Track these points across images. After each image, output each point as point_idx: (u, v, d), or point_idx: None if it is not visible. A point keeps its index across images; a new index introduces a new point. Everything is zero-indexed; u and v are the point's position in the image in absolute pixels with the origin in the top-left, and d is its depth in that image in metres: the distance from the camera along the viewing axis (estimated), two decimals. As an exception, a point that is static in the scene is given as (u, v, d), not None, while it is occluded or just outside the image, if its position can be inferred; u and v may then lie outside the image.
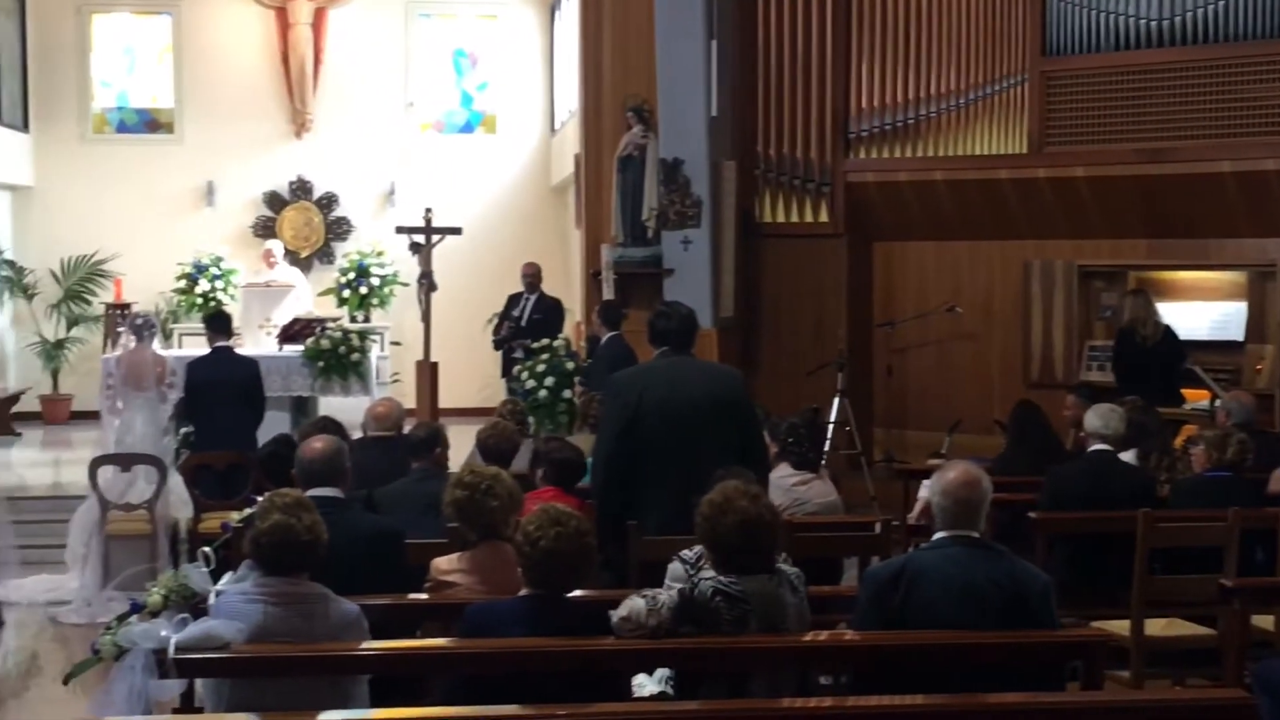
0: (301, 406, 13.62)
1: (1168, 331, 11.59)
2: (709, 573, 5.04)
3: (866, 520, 7.95)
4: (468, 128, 19.76)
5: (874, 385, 14.15)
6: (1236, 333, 12.55)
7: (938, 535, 5.10)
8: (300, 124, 19.09)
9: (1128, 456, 8.16)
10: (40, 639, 10.28)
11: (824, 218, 14.20)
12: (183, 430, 11.73)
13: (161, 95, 19.35)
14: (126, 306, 17.45)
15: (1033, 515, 7.38)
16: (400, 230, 15.17)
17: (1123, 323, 11.95)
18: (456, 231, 14.94)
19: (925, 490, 9.91)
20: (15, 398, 17.61)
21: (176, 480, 11.01)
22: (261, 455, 7.52)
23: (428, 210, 14.83)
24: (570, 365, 12.67)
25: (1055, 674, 5.14)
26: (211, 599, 5.38)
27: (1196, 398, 11.60)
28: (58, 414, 18.16)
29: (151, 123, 19.44)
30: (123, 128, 19.42)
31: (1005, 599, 4.95)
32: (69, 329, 18.43)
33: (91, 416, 16.93)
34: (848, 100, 14.05)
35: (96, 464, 10.95)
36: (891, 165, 13.92)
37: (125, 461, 10.96)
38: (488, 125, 19.69)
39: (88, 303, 18.44)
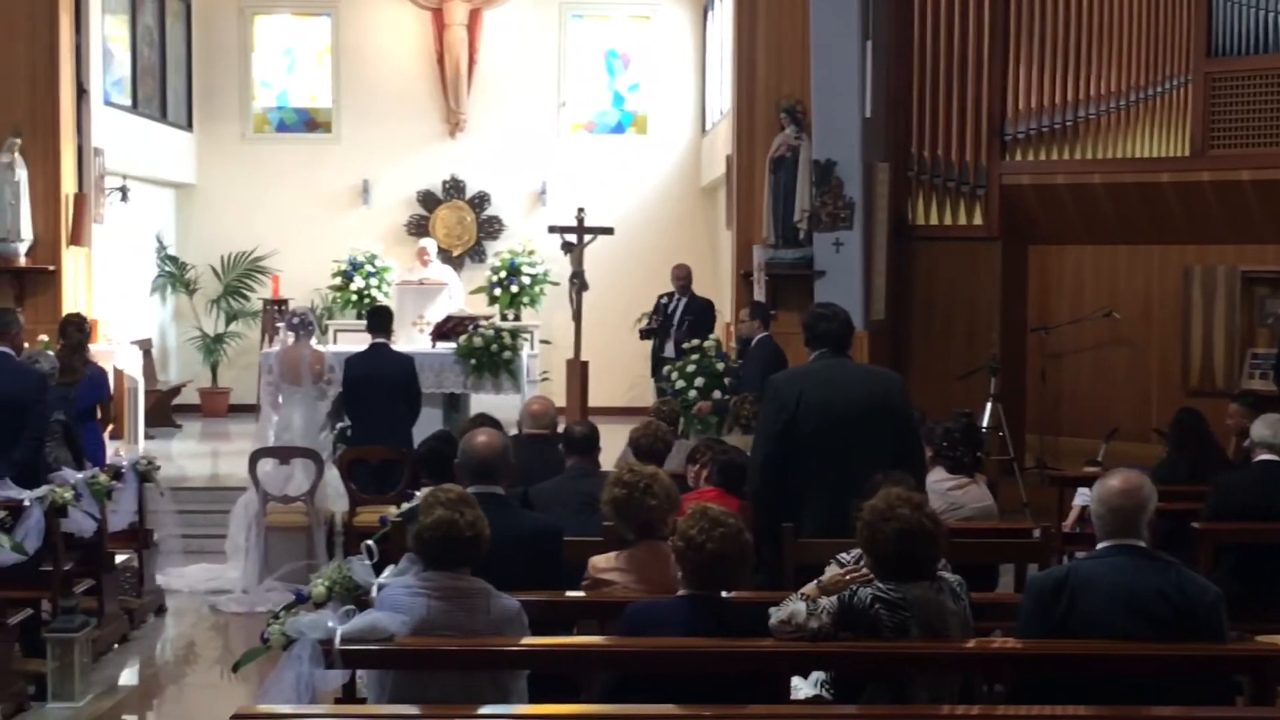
0: (454, 403, 13.76)
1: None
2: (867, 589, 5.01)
3: (1023, 527, 7.89)
4: (619, 128, 19.84)
5: (1027, 391, 13.94)
6: None
7: (1101, 544, 5.01)
8: (454, 124, 19.31)
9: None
10: (199, 627, 10.52)
11: (978, 220, 14.05)
12: (339, 425, 11.90)
13: (320, 95, 19.69)
14: (284, 302, 17.74)
15: (1197, 525, 7.24)
16: (553, 230, 15.25)
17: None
18: (609, 231, 14.98)
19: (1080, 498, 9.83)
20: (176, 390, 18.05)
21: (333, 474, 11.22)
22: (421, 451, 7.59)
23: (580, 210, 14.89)
24: (720, 366, 12.66)
25: (1222, 689, 5.01)
26: (373, 592, 5.46)
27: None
28: (217, 407, 18.57)
29: (310, 122, 19.79)
30: (282, 127, 19.79)
31: (1173, 611, 4.85)
32: (228, 324, 18.83)
33: (249, 410, 17.34)
34: (1004, 102, 13.88)
35: (256, 457, 11.18)
36: (1048, 168, 13.72)
37: (284, 455, 11.19)
38: (639, 126, 19.74)
39: (246, 298, 18.82)
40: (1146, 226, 13.35)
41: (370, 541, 5.83)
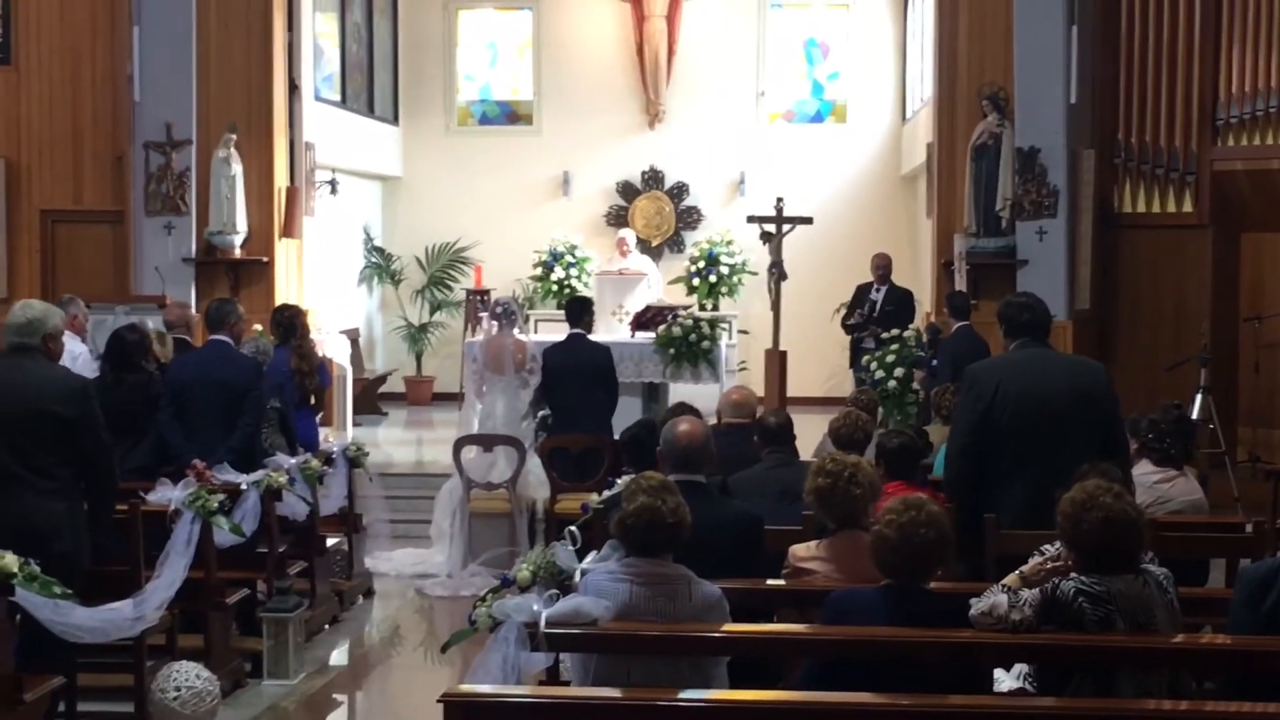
0: (653, 393, 13.83)
1: None
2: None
3: (1235, 521, 7.71)
4: (818, 117, 19.72)
5: (1239, 382, 13.64)
6: None
7: (1319, 538, 4.92)
8: (653, 115, 19.37)
9: None
10: (405, 610, 10.76)
11: (1188, 208, 13.81)
12: (540, 413, 12.05)
13: (521, 88, 19.91)
14: (486, 293, 17.97)
15: None
16: (751, 219, 15.26)
17: None
18: (808, 221, 14.96)
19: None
20: (382, 379, 18.45)
21: (535, 462, 11.34)
22: (624, 439, 7.66)
23: (779, 200, 14.87)
24: (919, 357, 12.60)
25: None
26: (576, 577, 5.56)
27: None
28: (421, 395, 18.92)
29: (511, 115, 20.01)
30: (484, 120, 20.05)
31: (1397, 607, 4.75)
32: (431, 314, 19.17)
33: (452, 398, 17.66)
34: (1215, 85, 13.60)
35: (460, 444, 11.39)
36: (1263, 153, 13.36)
37: (487, 442, 11.38)
38: (838, 115, 19.60)
39: (449, 288, 19.15)
40: (1365, 212, 12.98)
41: (573, 528, 5.94)
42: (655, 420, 7.67)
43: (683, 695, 4.78)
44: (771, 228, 14.63)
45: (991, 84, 13.86)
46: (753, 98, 19.46)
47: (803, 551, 5.87)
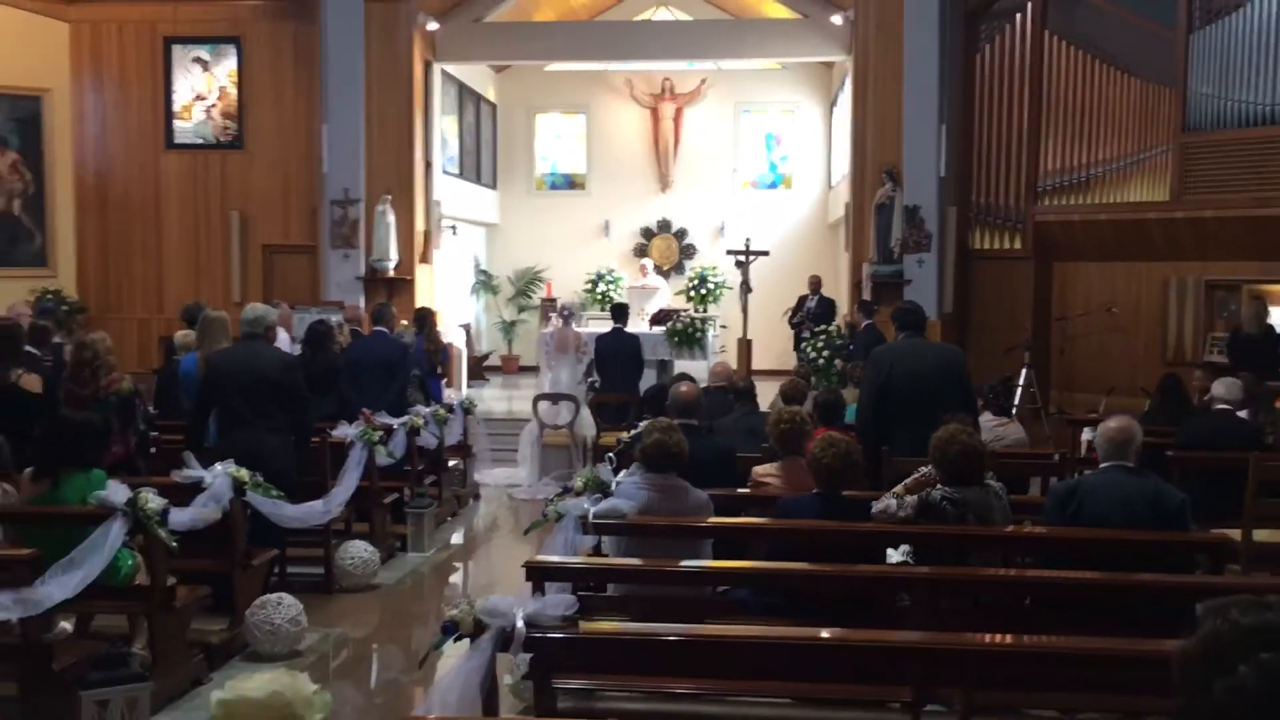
0: (664, 366, 13.78)
1: (1270, 328, 10.78)
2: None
3: (1046, 452, 7.69)
4: (773, 185, 19.59)
5: (1051, 361, 13.55)
6: (1325, 329, 11.56)
7: (1103, 464, 4.89)
8: (664, 183, 19.32)
9: (1243, 415, 7.64)
10: (500, 508, 10.82)
11: (1018, 245, 13.70)
12: (590, 380, 12.07)
13: (578, 165, 19.84)
14: (554, 300, 17.98)
15: (1170, 454, 6.98)
16: (729, 252, 15.22)
17: (1239, 321, 11.20)
18: (766, 254, 14.94)
19: (1086, 434, 9.51)
20: (486, 356, 18.49)
21: (586, 412, 11.39)
22: (646, 396, 7.70)
23: (747, 239, 14.83)
24: (839, 343, 12.56)
25: (1188, 565, 4.87)
26: (613, 486, 5.58)
27: (1293, 375, 10.74)
28: (511, 367, 18.93)
29: (571, 183, 19.91)
30: (553, 186, 19.96)
31: (1151, 510, 4.73)
32: (518, 313, 19.15)
33: (531, 370, 17.68)
34: (1037, 163, 13.47)
35: (537, 400, 11.44)
36: (1068, 210, 13.26)
37: (555, 399, 11.43)
38: (787, 183, 19.49)
39: (529, 297, 19.10)
40: (1138, 250, 12.80)
41: (611, 454, 5.97)
42: (666, 384, 7.66)
43: (682, 564, 4.82)
44: (742, 258, 14.60)
45: (888, 163, 13.77)
46: (730, 172, 19.41)
47: (762, 471, 5.90)
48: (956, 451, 4.85)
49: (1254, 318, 10.77)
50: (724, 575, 5.01)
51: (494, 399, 15.71)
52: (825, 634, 3.62)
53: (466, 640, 3.27)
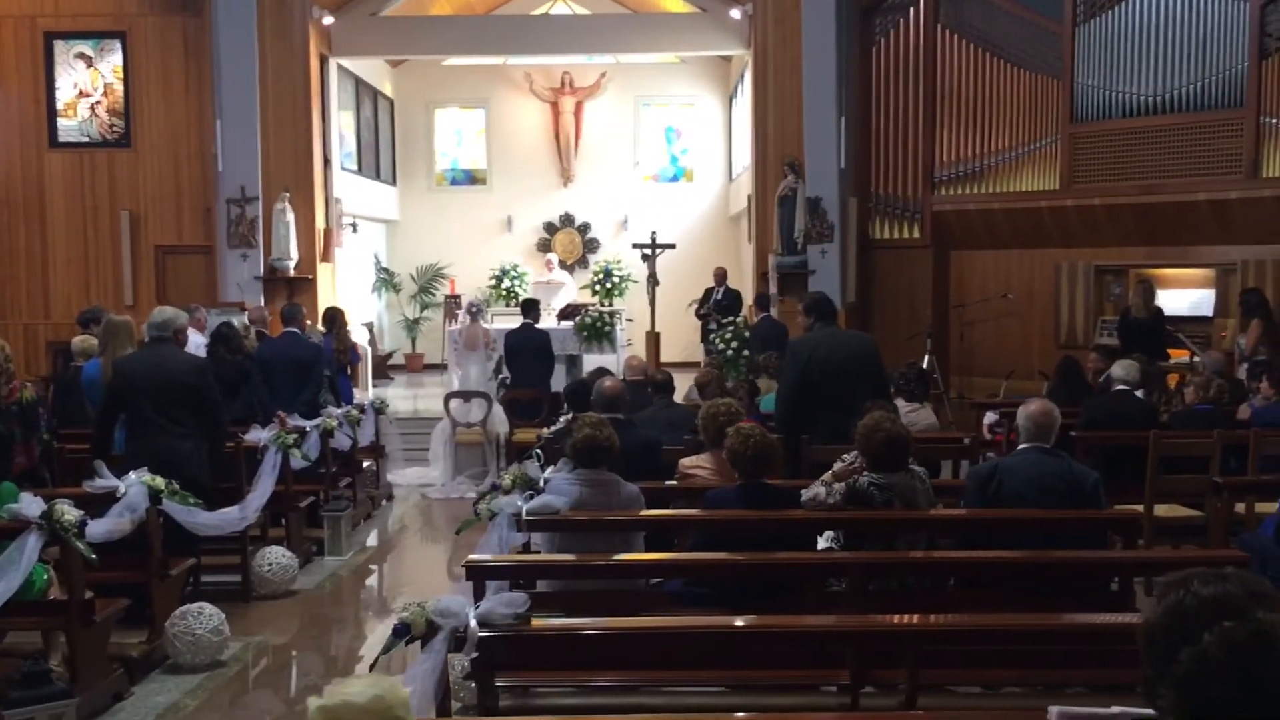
0: (572, 361, 13.75)
1: (1158, 311, 11.24)
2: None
3: (957, 436, 7.88)
4: (675, 179, 19.66)
5: (950, 346, 13.90)
6: (1208, 310, 12.10)
7: (1022, 445, 5.05)
8: (566, 177, 19.26)
9: (1139, 394, 7.95)
10: (413, 508, 10.63)
11: (916, 235, 14.03)
12: (500, 376, 11.99)
13: (478, 160, 19.65)
14: (458, 297, 17.78)
15: (1074, 434, 7.22)
16: (636, 246, 15.28)
17: (1128, 303, 11.64)
18: (673, 246, 15.03)
19: (988, 417, 9.79)
20: (389, 355, 18.22)
21: (498, 408, 11.30)
22: (567, 391, 7.63)
23: (653, 233, 14.92)
24: (747, 335, 12.71)
25: (1101, 541, 5.06)
26: (542, 483, 5.58)
27: (1179, 355, 11.21)
28: (415, 365, 18.65)
29: (472, 178, 19.68)
30: (454, 181, 19.72)
31: (1068, 488, 4.90)
32: (421, 311, 18.89)
33: (436, 368, 17.54)
34: (933, 155, 13.82)
35: (449, 397, 11.31)
36: (964, 199, 13.64)
37: (466, 396, 11.31)
38: (688, 177, 19.58)
39: (433, 294, 18.84)
40: (1031, 237, 13.24)
41: (539, 450, 5.96)
42: (586, 379, 7.65)
43: (615, 557, 4.84)
44: (649, 251, 14.67)
45: (790, 155, 13.95)
46: (631, 166, 19.43)
47: (689, 462, 5.94)
48: (882, 438, 4.95)
49: (1141, 301, 11.18)
50: (659, 567, 5.04)
51: (399, 398, 15.37)
52: (765, 621, 3.69)
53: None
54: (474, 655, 3.33)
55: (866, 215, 14.22)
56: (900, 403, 7.85)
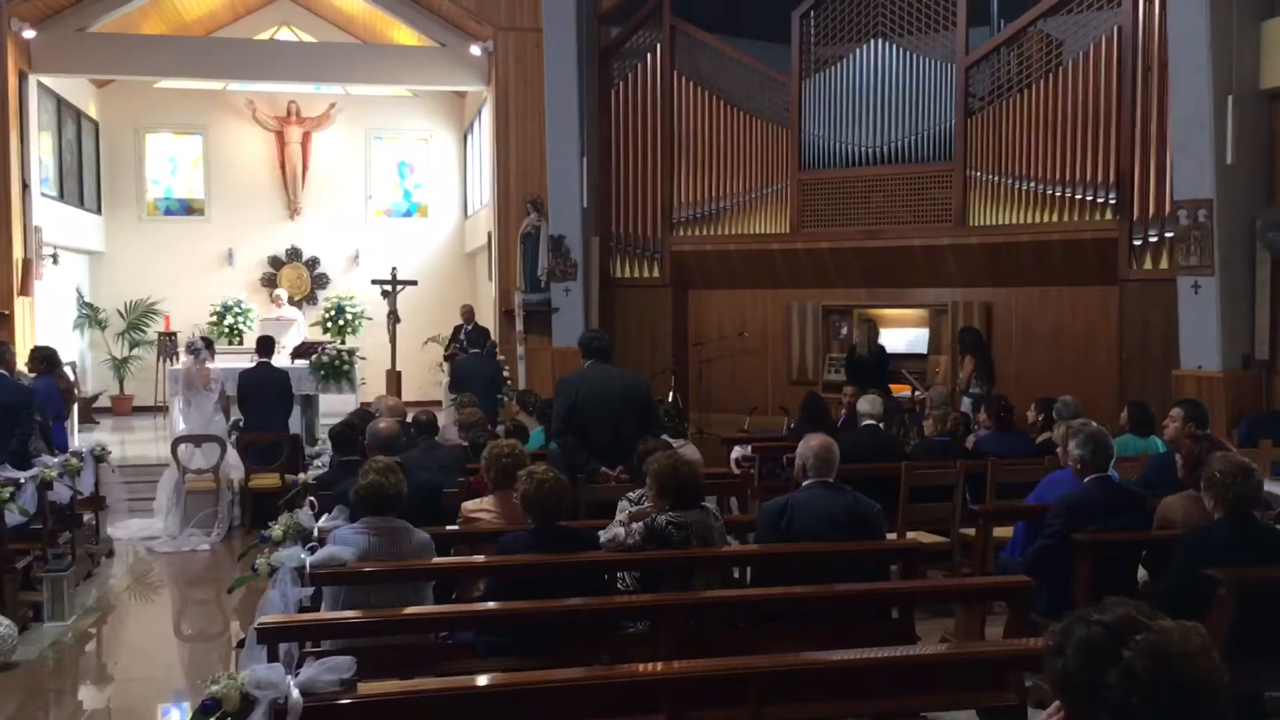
0: (308, 402, 13.10)
1: (881, 349, 11.92)
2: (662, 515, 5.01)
3: (728, 470, 8.03)
4: (408, 213, 19.26)
5: (689, 383, 14.23)
6: (923, 348, 12.99)
7: (807, 481, 5.16)
8: (293, 209, 18.51)
9: (881, 427, 8.34)
10: (138, 564, 9.79)
11: (656, 274, 14.30)
12: (233, 418, 11.26)
13: (196, 189, 18.53)
14: (173, 334, 16.76)
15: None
16: (375, 282, 14.81)
17: (853, 342, 12.31)
18: (414, 283, 14.66)
19: (736, 451, 10.00)
20: (95, 398, 16.79)
21: (233, 453, 10.60)
22: (333, 434, 7.16)
23: (394, 268, 14.51)
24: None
25: (884, 570, 5.24)
26: (315, 533, 5.22)
27: (900, 390, 11.93)
28: (123, 408, 17.25)
29: (189, 208, 18.56)
30: (168, 211, 18.52)
31: (853, 521, 5.05)
32: (130, 349, 17.55)
33: (148, 410, 16.32)
34: (672, 197, 14.15)
35: (177, 442, 10.49)
36: (701, 240, 14.04)
37: (198, 440, 10.51)
38: (422, 212, 19.23)
39: (144, 331, 17.59)
40: (764, 277, 13.79)
41: (312, 498, 5.58)
42: (352, 421, 7.25)
43: (407, 610, 4.57)
44: (389, 288, 14.25)
45: (533, 193, 13.97)
46: (363, 200, 18.89)
47: (472, 506, 5.72)
48: (681, 479, 4.94)
49: (866, 340, 11.87)
50: (449, 620, 4.80)
51: (109, 444, 14.18)
52: (583, 672, 3.58)
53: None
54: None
55: (608, 254, 14.38)
56: (665, 439, 7.94)
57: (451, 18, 14.92)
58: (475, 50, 14.72)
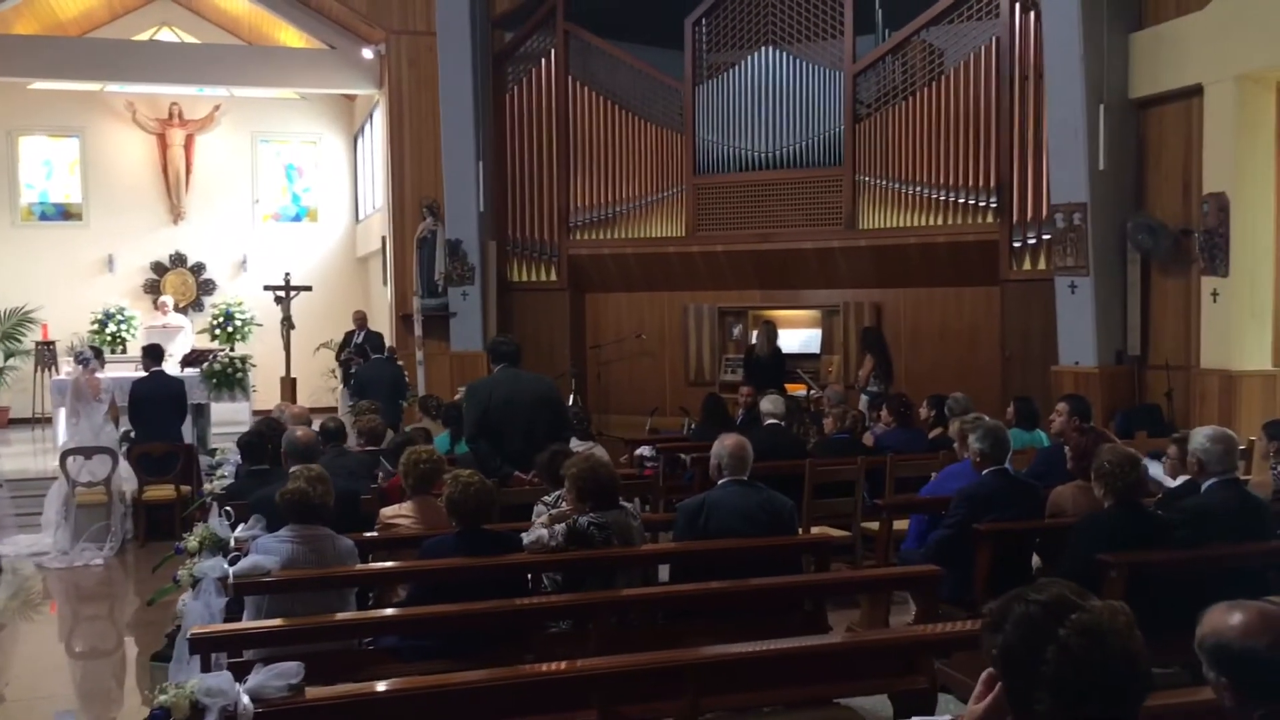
0: (199, 410, 12.79)
1: (777, 349, 12.19)
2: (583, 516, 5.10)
3: (640, 471, 8.15)
4: (297, 218, 18.94)
5: (588, 386, 14.32)
6: (816, 347, 13.30)
7: (723, 480, 5.30)
8: (176, 214, 18.04)
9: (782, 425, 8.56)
10: (28, 582, 9.47)
11: (554, 278, 14.34)
12: (123, 429, 10.96)
13: (73, 194, 17.91)
14: (52, 343, 16.21)
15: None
16: (269, 288, 14.53)
17: (751, 343, 12.56)
18: (308, 289, 14.45)
19: (644, 450, 10.15)
20: (-33, 411, 16.11)
21: (124, 464, 10.33)
22: (242, 443, 7.07)
23: (287, 274, 14.27)
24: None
25: (796, 564, 5.42)
26: (231, 543, 5.18)
27: (795, 389, 12.20)
28: (-1, 420, 16.64)
29: (65, 213, 17.93)
30: (44, 217, 17.87)
31: (767, 517, 5.21)
32: (5, 359, 16.87)
33: (25, 423, 15.78)
34: (569, 201, 14.21)
35: (65, 455, 10.17)
36: (598, 244, 14.12)
37: (88, 452, 10.19)
38: (312, 216, 18.93)
39: (20, 340, 16.93)
40: (660, 280, 13.93)
41: (228, 508, 5.51)
42: (262, 430, 7.15)
43: (339, 616, 4.59)
44: (282, 294, 14.02)
45: (428, 197, 13.91)
46: (250, 204, 18.51)
47: (390, 512, 5.74)
48: (600, 480, 5.04)
49: (764, 340, 12.12)
50: (372, 625, 4.82)
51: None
52: (532, 671, 3.67)
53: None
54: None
55: (505, 258, 14.38)
56: (575, 442, 8.03)
57: (342, 20, 14.76)
58: (367, 53, 14.59)
